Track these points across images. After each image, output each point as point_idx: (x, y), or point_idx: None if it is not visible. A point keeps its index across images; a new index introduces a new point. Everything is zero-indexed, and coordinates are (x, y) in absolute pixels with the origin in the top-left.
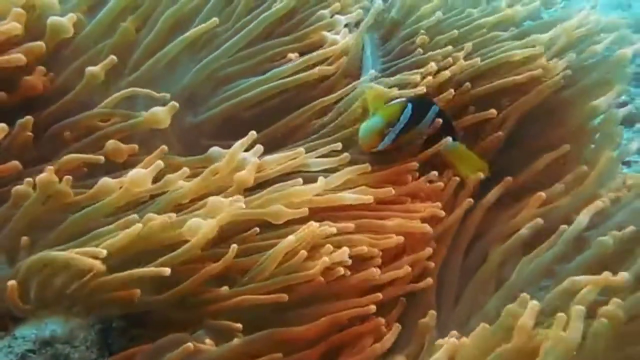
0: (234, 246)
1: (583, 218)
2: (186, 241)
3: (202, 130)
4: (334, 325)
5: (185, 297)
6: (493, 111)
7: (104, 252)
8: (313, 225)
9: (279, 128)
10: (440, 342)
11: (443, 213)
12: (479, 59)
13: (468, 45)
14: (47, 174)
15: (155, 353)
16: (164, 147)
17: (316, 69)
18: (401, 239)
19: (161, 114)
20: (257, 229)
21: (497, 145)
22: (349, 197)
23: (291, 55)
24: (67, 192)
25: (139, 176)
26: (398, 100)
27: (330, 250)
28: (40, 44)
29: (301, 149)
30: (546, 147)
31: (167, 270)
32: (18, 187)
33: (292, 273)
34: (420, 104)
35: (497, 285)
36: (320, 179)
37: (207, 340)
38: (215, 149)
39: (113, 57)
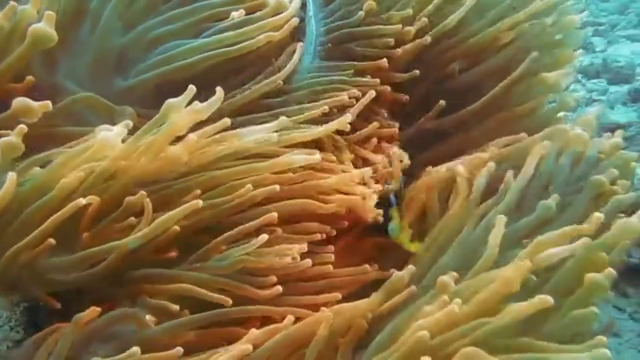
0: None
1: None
2: None
3: (132, 96)
4: None
5: (121, 273)
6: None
7: None
8: None
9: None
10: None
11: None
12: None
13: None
14: None
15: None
16: None
17: (262, 36)
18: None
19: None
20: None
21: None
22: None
23: (234, 14)
24: None
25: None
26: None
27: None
28: None
29: (226, 120)
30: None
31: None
32: None
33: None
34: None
35: None
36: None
37: (148, 317)
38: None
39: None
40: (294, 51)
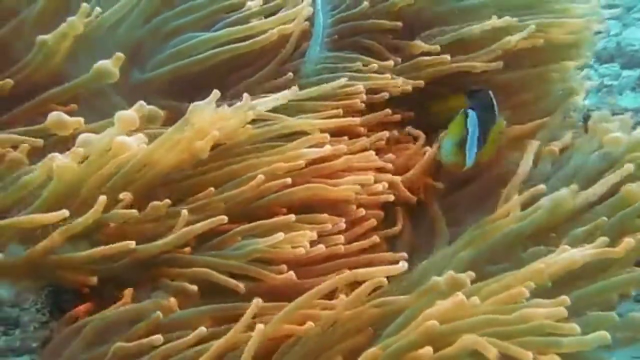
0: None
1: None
2: None
3: (151, 88)
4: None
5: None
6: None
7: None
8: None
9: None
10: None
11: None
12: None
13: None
14: None
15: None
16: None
17: (275, 30)
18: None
19: (108, 66)
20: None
21: None
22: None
23: (250, 3)
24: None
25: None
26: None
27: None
28: None
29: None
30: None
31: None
32: None
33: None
34: (479, 100)
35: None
36: None
37: (172, 299)
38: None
39: None
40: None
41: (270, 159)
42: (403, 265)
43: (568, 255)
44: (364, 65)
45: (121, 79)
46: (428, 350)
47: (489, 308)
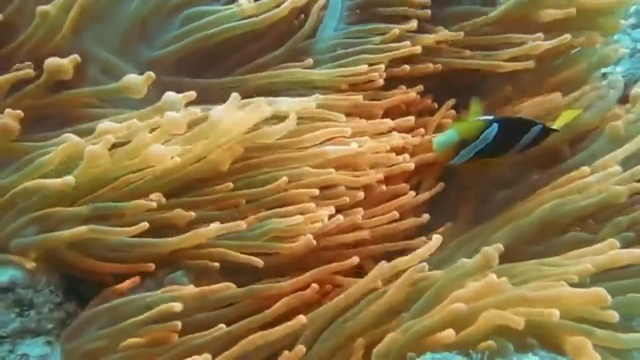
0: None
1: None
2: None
3: (161, 66)
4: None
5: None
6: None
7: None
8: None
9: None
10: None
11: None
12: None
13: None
14: None
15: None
16: None
17: (286, 4)
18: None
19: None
20: None
21: None
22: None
23: None
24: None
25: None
26: (485, 118)
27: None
28: None
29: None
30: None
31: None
32: None
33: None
34: (515, 125)
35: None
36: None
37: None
38: (170, 95)
39: None
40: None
41: (294, 156)
42: (437, 241)
43: (614, 254)
44: (382, 34)
45: (130, 55)
46: (450, 332)
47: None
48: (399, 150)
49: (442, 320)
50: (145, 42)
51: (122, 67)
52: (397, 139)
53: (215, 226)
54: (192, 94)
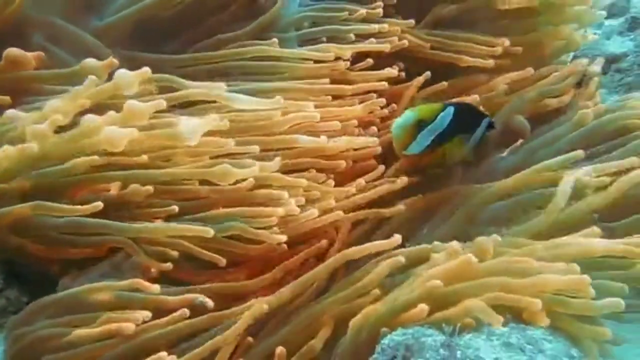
0: None
1: None
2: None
3: (111, 37)
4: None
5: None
6: None
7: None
8: None
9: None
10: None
11: None
12: None
13: None
14: None
15: None
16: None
17: None
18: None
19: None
20: None
21: None
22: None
23: None
24: None
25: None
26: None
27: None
28: None
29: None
30: None
31: None
32: None
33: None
34: (468, 113)
35: None
36: None
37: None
38: (122, 72)
39: None
40: None
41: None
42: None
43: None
44: (349, 14)
45: (79, 26)
46: (422, 308)
47: (496, 268)
48: (365, 124)
49: (420, 297)
50: (94, 13)
51: (70, 33)
52: (361, 109)
53: (181, 226)
54: (147, 70)
